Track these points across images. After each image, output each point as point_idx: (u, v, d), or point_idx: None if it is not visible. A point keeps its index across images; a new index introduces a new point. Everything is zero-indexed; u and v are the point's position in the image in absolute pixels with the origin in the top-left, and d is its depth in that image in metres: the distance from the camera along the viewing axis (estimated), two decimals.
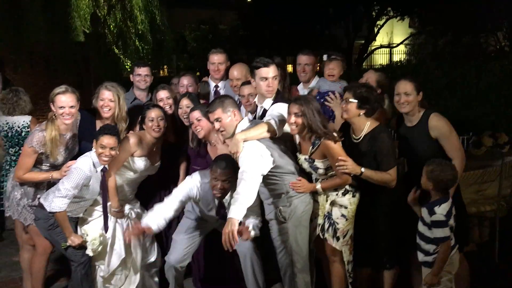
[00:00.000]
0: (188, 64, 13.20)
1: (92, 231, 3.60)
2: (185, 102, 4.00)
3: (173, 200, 3.51)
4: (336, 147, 3.19)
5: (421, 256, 3.12)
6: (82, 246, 3.54)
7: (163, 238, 4.08)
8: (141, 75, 4.49)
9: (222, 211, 3.53)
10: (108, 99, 3.83)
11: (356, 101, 3.24)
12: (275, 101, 3.58)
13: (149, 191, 4.04)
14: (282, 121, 3.35)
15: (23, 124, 4.52)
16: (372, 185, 3.28)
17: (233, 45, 14.23)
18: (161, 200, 3.69)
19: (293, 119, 3.21)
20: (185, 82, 4.42)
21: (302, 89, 4.46)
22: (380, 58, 22.42)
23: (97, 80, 10.58)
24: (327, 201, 3.36)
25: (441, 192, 3.04)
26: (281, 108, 3.44)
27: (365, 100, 3.24)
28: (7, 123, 4.52)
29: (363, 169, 3.20)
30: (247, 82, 3.86)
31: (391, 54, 22.40)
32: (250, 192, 3.01)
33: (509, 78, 8.07)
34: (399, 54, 22.18)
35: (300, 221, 3.32)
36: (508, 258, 4.53)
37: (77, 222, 3.69)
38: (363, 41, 19.43)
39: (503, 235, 4.62)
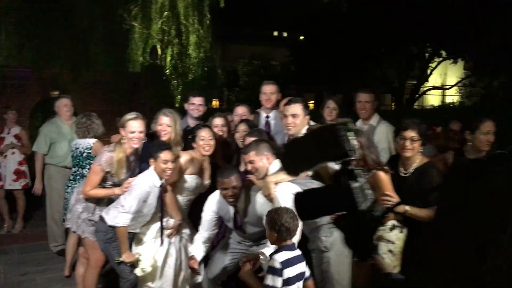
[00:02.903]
0: (239, 97, 13.55)
1: (145, 252, 3.76)
2: (242, 127, 4.23)
3: (203, 224, 3.73)
4: (386, 180, 3.22)
5: None
6: (133, 264, 3.70)
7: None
8: (195, 104, 4.71)
9: (238, 222, 3.64)
10: (165, 124, 4.07)
11: (421, 139, 3.30)
12: None
13: (201, 211, 4.16)
14: None
15: (86, 146, 4.79)
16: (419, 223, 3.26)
17: (284, 81, 14.47)
18: None
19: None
20: (240, 112, 4.65)
21: (361, 126, 4.52)
22: (432, 99, 22.10)
23: (152, 108, 11.07)
24: (374, 236, 3.35)
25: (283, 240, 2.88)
26: None
27: (427, 137, 3.28)
28: (75, 144, 4.83)
29: (407, 207, 3.21)
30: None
31: (443, 95, 22.05)
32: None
33: None
34: (452, 96, 21.79)
35: (342, 251, 3.30)
36: None
37: (132, 239, 3.86)
38: (415, 82, 19.26)
39: None
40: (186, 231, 4.04)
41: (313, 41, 17.65)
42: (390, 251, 3.29)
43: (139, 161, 4.04)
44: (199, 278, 4.07)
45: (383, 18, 15.58)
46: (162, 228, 3.83)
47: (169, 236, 3.89)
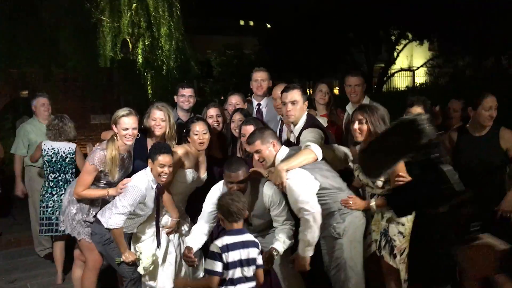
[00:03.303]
0: (213, 88, 13.40)
1: (146, 249, 3.66)
2: (237, 117, 4.12)
3: (203, 214, 3.58)
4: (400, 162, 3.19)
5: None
6: (134, 263, 3.60)
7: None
8: (185, 96, 4.58)
9: None
10: (159, 119, 3.95)
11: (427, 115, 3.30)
12: (306, 125, 3.64)
13: (198, 204, 4.09)
14: (319, 144, 3.40)
15: (68, 151, 4.66)
16: None
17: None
18: None
19: (356, 125, 3.26)
20: (233, 101, 4.52)
21: (351, 109, 4.48)
22: (400, 81, 22.46)
23: (126, 104, 10.85)
24: (382, 218, 3.35)
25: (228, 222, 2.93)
26: (314, 133, 3.52)
27: (433, 114, 3.29)
28: (53, 148, 4.65)
29: None
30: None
31: (413, 76, 22.46)
32: (316, 230, 3.14)
33: None
34: (420, 77, 22.20)
35: (354, 237, 3.31)
36: None
37: (130, 238, 3.76)
38: (383, 65, 19.52)
39: None
40: (184, 227, 3.96)
41: (281, 29, 17.65)
42: (400, 232, 3.30)
43: (132, 158, 3.92)
44: (201, 273, 4.00)
45: (349, 4, 15.71)
46: (158, 230, 3.73)
47: (168, 234, 3.80)
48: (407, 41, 18.99)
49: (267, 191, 3.44)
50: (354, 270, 3.29)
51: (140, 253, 3.63)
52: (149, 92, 11.36)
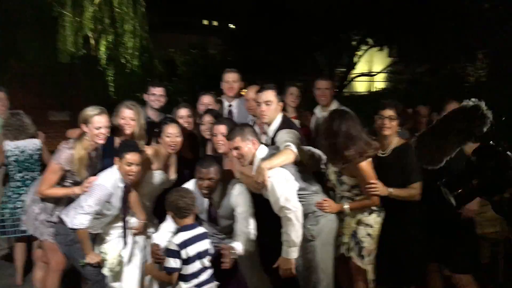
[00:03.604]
0: (177, 87, 13.24)
1: (111, 250, 3.59)
2: (207, 118, 4.08)
3: None
4: (367, 169, 3.26)
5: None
6: (99, 265, 3.52)
7: None
8: (156, 94, 4.52)
9: (212, 214, 3.57)
10: (129, 118, 3.88)
11: (398, 118, 3.39)
12: (282, 126, 3.65)
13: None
14: (296, 145, 3.42)
15: (34, 147, 4.51)
16: (396, 206, 3.37)
17: (223, 70, 14.39)
18: None
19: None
20: (205, 101, 4.49)
21: (320, 112, 4.57)
22: (360, 85, 22.94)
23: (87, 101, 10.56)
24: (353, 220, 3.41)
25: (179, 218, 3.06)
26: (291, 134, 3.54)
27: (404, 117, 3.37)
28: (18, 147, 4.47)
29: (391, 190, 3.30)
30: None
31: (374, 82, 22.97)
32: (298, 229, 3.15)
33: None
34: (379, 82, 22.74)
35: (327, 240, 3.36)
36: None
37: (95, 239, 3.67)
38: (344, 69, 19.84)
39: (507, 256, 4.74)
40: (151, 230, 3.89)
41: (245, 30, 17.65)
42: (369, 234, 3.38)
43: (100, 157, 3.83)
44: None
45: (312, 7, 15.91)
46: (125, 230, 3.66)
47: (134, 235, 3.74)
48: (367, 46, 19.39)
49: (235, 191, 3.45)
50: (326, 272, 3.35)
51: (106, 254, 3.56)
52: (111, 89, 11.09)
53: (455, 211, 3.55)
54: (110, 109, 3.92)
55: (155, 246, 3.39)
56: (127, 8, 10.52)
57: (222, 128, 3.74)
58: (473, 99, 3.09)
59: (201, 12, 24.34)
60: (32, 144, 4.50)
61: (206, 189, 3.40)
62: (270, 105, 3.63)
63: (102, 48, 10.59)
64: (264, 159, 3.28)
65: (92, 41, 10.75)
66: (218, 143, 3.78)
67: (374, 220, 3.37)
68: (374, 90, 21.23)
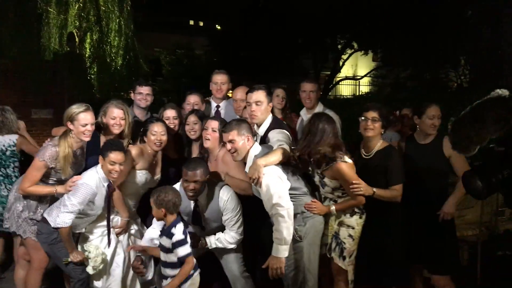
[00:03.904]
0: (162, 87, 13.20)
1: (94, 248, 3.58)
2: (192, 119, 4.07)
3: None
4: (348, 171, 3.31)
5: (165, 282, 3.23)
6: (83, 263, 3.52)
7: None
8: (143, 93, 4.50)
9: (196, 216, 3.59)
10: (119, 117, 3.87)
11: (382, 120, 3.44)
12: (273, 126, 3.68)
13: (150, 205, 4.03)
14: (288, 145, 3.47)
15: (8, 143, 4.48)
16: (378, 207, 3.43)
17: (209, 70, 14.38)
18: None
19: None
20: (192, 101, 4.48)
21: (305, 115, 4.59)
22: (345, 89, 23.15)
23: (70, 100, 10.47)
24: (335, 221, 3.46)
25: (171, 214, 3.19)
26: (283, 134, 3.57)
27: (387, 120, 3.43)
28: None
29: (375, 189, 3.36)
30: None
31: (359, 85, 23.19)
32: (290, 227, 3.17)
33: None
34: (364, 86, 22.98)
35: (314, 240, 3.40)
36: (489, 282, 4.72)
37: (78, 238, 3.66)
38: (329, 72, 20.00)
39: (484, 259, 4.83)
40: (134, 227, 3.90)
41: (231, 31, 17.70)
42: (350, 235, 3.43)
43: (85, 156, 3.82)
44: (150, 275, 3.95)
45: (299, 11, 16.01)
46: (109, 229, 3.66)
47: (118, 234, 3.74)
48: (352, 50, 19.58)
49: (223, 196, 3.47)
50: (312, 272, 3.39)
51: (89, 252, 3.55)
52: (94, 88, 11.04)
53: (435, 212, 3.66)
54: (94, 107, 3.88)
55: (136, 260, 3.46)
56: (112, 6, 10.49)
57: (214, 124, 3.77)
58: (503, 89, 3.16)
59: (188, 12, 24.27)
60: (7, 140, 4.47)
61: (192, 192, 3.39)
62: (260, 105, 3.65)
63: (87, 46, 10.52)
64: (257, 157, 3.30)
65: (77, 39, 10.67)
66: (205, 137, 3.80)
67: (355, 221, 3.43)
68: (359, 94, 21.40)
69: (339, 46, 19.38)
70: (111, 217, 3.69)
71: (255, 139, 3.63)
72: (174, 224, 3.15)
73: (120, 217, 3.74)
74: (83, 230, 3.66)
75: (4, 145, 4.45)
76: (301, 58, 18.94)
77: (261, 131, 3.72)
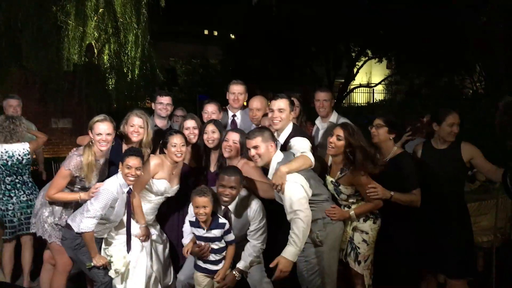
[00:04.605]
0: (178, 96, 13.34)
1: (117, 253, 3.70)
2: (210, 128, 4.16)
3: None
4: (363, 177, 3.39)
5: (212, 266, 3.62)
6: (105, 267, 3.65)
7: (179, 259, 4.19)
8: (163, 103, 4.64)
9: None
10: (138, 126, 4.00)
11: (387, 126, 3.51)
12: (295, 133, 3.78)
13: (169, 213, 4.19)
14: (312, 152, 3.57)
15: (23, 152, 4.60)
16: (395, 211, 3.50)
17: (224, 79, 14.53)
18: (179, 222, 3.95)
19: (334, 139, 3.46)
20: (209, 109, 4.57)
21: (320, 123, 4.69)
22: (359, 96, 23.13)
23: (89, 109, 10.70)
24: (350, 226, 3.54)
25: None
26: (306, 141, 3.66)
27: (394, 126, 3.50)
28: (7, 152, 4.56)
29: (392, 193, 3.43)
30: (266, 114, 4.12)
31: (373, 93, 23.16)
32: (306, 234, 3.26)
33: (481, 123, 8.31)
34: (378, 94, 22.94)
35: (333, 245, 3.47)
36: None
37: (101, 243, 3.79)
38: (343, 80, 20.04)
39: (499, 265, 4.83)
40: (154, 232, 4.01)
41: (245, 40, 17.84)
42: (364, 240, 3.50)
43: (107, 164, 3.96)
44: (170, 280, 4.06)
45: (313, 19, 16.11)
46: (129, 235, 3.78)
47: (142, 240, 3.85)
48: (366, 58, 19.60)
49: (253, 205, 3.60)
50: (331, 277, 3.46)
51: (111, 256, 3.67)
52: (112, 98, 11.21)
53: (451, 216, 3.70)
54: (111, 116, 3.99)
55: (197, 246, 3.62)
56: (129, 18, 10.65)
57: (235, 136, 3.91)
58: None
59: (202, 21, 24.53)
60: (21, 149, 4.60)
61: (227, 197, 3.51)
62: (282, 112, 3.79)
63: (105, 57, 10.72)
64: (280, 164, 3.39)
65: (95, 50, 10.88)
66: (225, 148, 3.93)
67: (369, 226, 3.50)
68: (373, 101, 21.37)
69: (353, 54, 19.46)
70: (131, 222, 3.80)
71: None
72: (217, 216, 3.54)
73: (137, 223, 3.84)
74: (105, 235, 3.78)
75: (19, 155, 4.58)
76: (314, 66, 19.03)
77: (281, 138, 3.82)
